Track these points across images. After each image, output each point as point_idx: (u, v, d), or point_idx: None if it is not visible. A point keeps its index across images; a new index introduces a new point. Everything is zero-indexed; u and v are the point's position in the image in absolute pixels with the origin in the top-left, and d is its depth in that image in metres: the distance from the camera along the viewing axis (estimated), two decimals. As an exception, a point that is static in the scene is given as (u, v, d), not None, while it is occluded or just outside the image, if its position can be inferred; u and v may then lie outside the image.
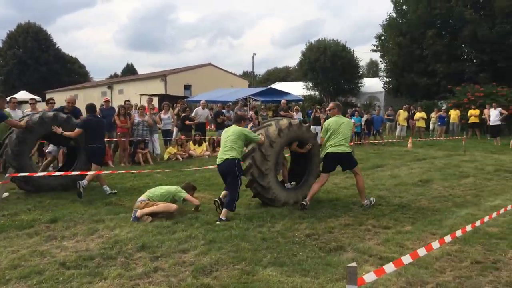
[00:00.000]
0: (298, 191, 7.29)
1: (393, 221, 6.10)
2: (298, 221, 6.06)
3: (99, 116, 8.89)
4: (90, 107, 8.15)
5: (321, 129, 7.93)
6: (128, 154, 12.06)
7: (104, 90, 46.01)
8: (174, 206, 6.28)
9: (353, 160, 7.24)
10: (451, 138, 18.77)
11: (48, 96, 46.52)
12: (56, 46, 58.51)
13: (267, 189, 6.77)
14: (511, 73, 23.71)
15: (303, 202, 6.74)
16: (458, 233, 4.07)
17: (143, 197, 6.41)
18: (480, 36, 23.92)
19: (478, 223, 4.57)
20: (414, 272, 4.20)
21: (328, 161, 7.07)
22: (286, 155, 8.10)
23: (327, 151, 6.99)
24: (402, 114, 20.37)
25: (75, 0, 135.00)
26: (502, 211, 5.25)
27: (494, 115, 18.33)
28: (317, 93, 35.35)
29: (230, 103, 19.98)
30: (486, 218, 4.79)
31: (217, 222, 5.91)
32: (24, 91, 33.46)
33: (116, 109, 12.44)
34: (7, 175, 6.93)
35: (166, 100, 20.19)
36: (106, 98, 14.43)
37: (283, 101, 20.38)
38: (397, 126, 20.33)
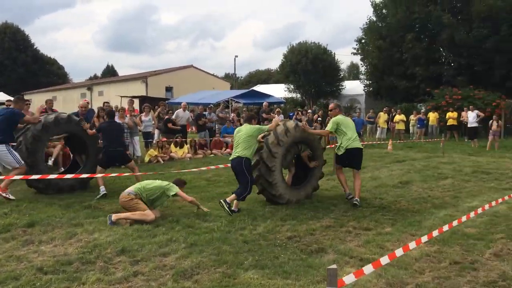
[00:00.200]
0: (301, 191, 7.56)
1: (374, 222, 6.17)
2: (280, 223, 6.07)
3: (114, 121, 9.09)
4: (109, 113, 8.74)
5: None
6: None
7: (83, 91, 45.40)
8: (151, 216, 5.98)
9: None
10: (430, 140, 19.08)
11: (26, 98, 45.77)
12: (35, 47, 57.53)
13: (273, 185, 7.03)
14: (488, 77, 24.25)
15: (355, 202, 7.14)
16: (435, 233, 4.13)
17: (132, 189, 6.30)
18: (457, 40, 24.41)
19: (455, 223, 4.65)
20: (394, 273, 4.25)
21: (345, 155, 7.43)
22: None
23: (352, 147, 7.35)
24: (383, 117, 20.65)
25: (54, 0, 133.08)
26: (480, 210, 5.36)
27: (471, 118, 18.72)
28: (298, 95, 35.57)
29: (211, 105, 19.90)
30: (464, 218, 4.88)
31: (232, 214, 6.39)
32: (1, 93, 32.69)
33: (96, 111, 12.28)
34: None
35: (147, 102, 20.02)
36: (86, 100, 14.23)
37: (265, 103, 20.42)
38: (378, 128, 20.57)
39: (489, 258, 4.73)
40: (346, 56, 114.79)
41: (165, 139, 13.77)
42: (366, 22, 29.80)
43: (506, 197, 6.87)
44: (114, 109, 13.78)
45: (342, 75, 37.84)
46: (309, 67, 32.93)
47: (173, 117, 14.71)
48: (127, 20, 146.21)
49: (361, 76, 37.00)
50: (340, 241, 5.32)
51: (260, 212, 6.67)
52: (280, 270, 4.32)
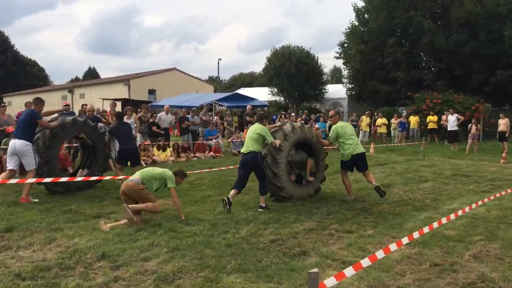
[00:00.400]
0: (304, 189, 8.11)
1: (356, 225, 6.21)
2: (263, 226, 6.07)
3: (125, 122, 9.67)
4: (117, 115, 9.38)
5: None
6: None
7: (64, 94, 44.72)
8: (159, 207, 6.42)
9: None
10: (411, 143, 19.34)
11: (5, 100, 44.85)
12: (14, 48, 56.50)
13: (278, 177, 7.53)
14: (466, 81, 24.70)
15: (381, 191, 7.81)
16: (416, 234, 4.18)
17: (138, 178, 6.31)
18: (437, 45, 24.83)
19: (435, 224, 4.71)
20: (375, 275, 4.28)
21: (351, 162, 8.02)
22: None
23: (356, 153, 7.94)
24: (365, 120, 20.87)
25: (35, 1, 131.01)
26: (460, 213, 5.45)
27: (451, 121, 19.04)
28: (282, 98, 35.71)
29: (194, 108, 19.82)
30: (444, 220, 4.95)
31: (259, 210, 6.95)
32: (-21, 95, 32.05)
33: (77, 113, 12.10)
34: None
35: (130, 104, 19.79)
36: (66, 102, 14.01)
37: (248, 106, 20.43)
38: (360, 131, 20.77)
39: (468, 260, 4.81)
40: (329, 60, 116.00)
41: (148, 142, 13.66)
42: (348, 27, 30.10)
43: (486, 199, 7.01)
44: (95, 111, 13.61)
45: (325, 78, 38.10)
46: (293, 71, 33.10)
47: (156, 120, 14.60)
48: (109, 22, 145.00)
49: (344, 80, 37.36)
50: (323, 244, 5.35)
51: (243, 215, 6.66)
52: (263, 273, 4.31)
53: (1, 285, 3.98)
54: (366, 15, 29.21)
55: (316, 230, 5.96)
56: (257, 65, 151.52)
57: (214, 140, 15.89)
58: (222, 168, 10.57)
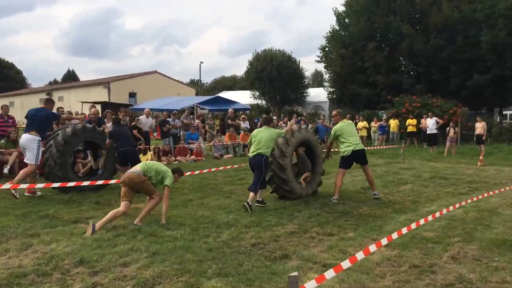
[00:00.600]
0: (308, 187, 8.61)
1: (337, 228, 6.24)
2: (244, 230, 6.04)
3: (122, 124, 10.16)
4: (115, 119, 9.98)
5: None
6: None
7: (42, 96, 43.81)
8: (159, 201, 6.36)
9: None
10: (390, 146, 19.58)
11: (-20, 103, 43.81)
12: (-10, 50, 55.38)
13: (285, 169, 7.98)
14: (444, 85, 25.20)
15: (376, 197, 8.25)
16: (394, 235, 4.22)
17: (140, 170, 6.28)
18: (416, 50, 25.28)
19: (413, 225, 4.77)
20: (356, 277, 4.30)
21: (351, 158, 8.32)
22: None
23: (357, 149, 8.26)
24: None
25: (12, 3, 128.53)
26: (437, 214, 5.53)
27: (430, 125, 19.35)
28: (264, 102, 35.80)
29: (175, 111, 19.71)
30: (422, 221, 5.01)
31: (256, 204, 7.40)
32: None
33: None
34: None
35: (110, 108, 19.58)
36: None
37: (230, 109, 20.44)
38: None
39: (447, 261, 4.87)
40: (310, 63, 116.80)
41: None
42: (329, 31, 30.38)
43: (463, 202, 7.14)
44: (74, 114, 13.41)
45: (306, 82, 38.43)
46: (274, 74, 33.26)
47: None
48: (89, 24, 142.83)
49: (325, 84, 37.66)
50: (304, 247, 5.35)
51: (225, 219, 6.62)
52: (244, 277, 4.29)
53: (-26, 293, 3.86)
54: (346, 20, 29.54)
55: (298, 233, 5.97)
56: (239, 69, 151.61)
57: (195, 143, 15.81)
58: (203, 171, 10.51)
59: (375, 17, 26.82)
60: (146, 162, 6.72)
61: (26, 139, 7.99)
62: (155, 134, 19.01)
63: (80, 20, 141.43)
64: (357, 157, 8.37)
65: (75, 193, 8.47)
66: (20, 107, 44.55)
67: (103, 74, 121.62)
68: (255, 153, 7.61)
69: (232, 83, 66.41)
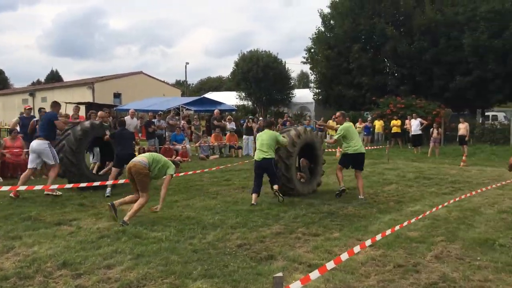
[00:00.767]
0: (310, 186, 9.08)
1: (322, 228, 6.27)
2: (230, 231, 6.03)
3: (126, 128, 10.17)
4: (120, 122, 10.03)
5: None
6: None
7: (25, 97, 43.26)
8: (146, 203, 6.55)
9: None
10: (375, 147, 19.76)
11: (-40, 103, 42.91)
12: (-29, 49, 54.34)
13: (289, 169, 8.43)
14: (428, 87, 25.53)
15: (362, 200, 8.27)
16: (378, 237, 4.25)
17: (146, 162, 6.43)
18: (400, 52, 25.56)
19: (397, 227, 4.81)
20: (341, 277, 4.32)
21: (351, 158, 8.52)
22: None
23: (359, 152, 8.49)
24: (331, 124, 21.14)
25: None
26: (420, 216, 5.58)
27: (415, 125, 19.58)
28: (250, 103, 35.80)
29: (161, 112, 19.58)
30: (405, 223, 5.06)
31: (280, 200, 7.83)
32: None
33: (37, 117, 11.73)
34: None
35: (94, 108, 19.34)
36: (28, 106, 13.54)
37: (216, 110, 20.38)
38: (327, 135, 21.05)
39: (431, 261, 4.93)
40: (296, 65, 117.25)
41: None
42: (315, 32, 30.47)
43: (446, 203, 7.23)
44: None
45: (292, 83, 38.51)
46: (260, 75, 33.28)
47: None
48: (73, 24, 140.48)
49: (311, 85, 37.83)
50: (290, 248, 5.36)
51: (210, 220, 6.60)
52: (230, 279, 4.28)
53: (-47, 297, 3.78)
54: (332, 21, 29.70)
55: (283, 233, 5.98)
56: (225, 69, 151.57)
57: (181, 145, 15.73)
58: (189, 172, 10.46)
59: (360, 19, 27.03)
60: (152, 153, 6.98)
61: (37, 144, 8.51)
62: (140, 135, 18.84)
63: (64, 20, 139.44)
64: (356, 160, 8.55)
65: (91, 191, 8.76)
66: (2, 108, 43.83)
67: (87, 75, 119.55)
68: (261, 157, 7.97)
69: (218, 84, 66.31)
